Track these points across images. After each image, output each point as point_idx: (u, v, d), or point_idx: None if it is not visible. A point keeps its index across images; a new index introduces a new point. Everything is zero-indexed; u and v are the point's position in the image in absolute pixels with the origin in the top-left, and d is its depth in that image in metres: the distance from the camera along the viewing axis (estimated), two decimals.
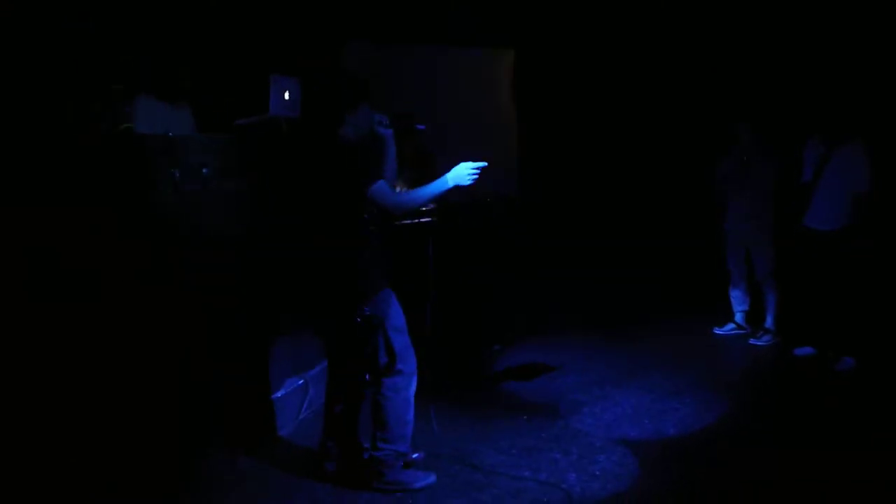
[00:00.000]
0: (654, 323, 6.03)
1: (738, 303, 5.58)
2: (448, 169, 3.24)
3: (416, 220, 4.83)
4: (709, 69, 6.54)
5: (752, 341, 5.41)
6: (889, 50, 5.50)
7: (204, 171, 3.55)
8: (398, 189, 5.16)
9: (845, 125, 4.74)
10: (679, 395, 4.42)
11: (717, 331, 5.65)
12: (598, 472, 3.49)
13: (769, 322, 5.39)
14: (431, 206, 4.76)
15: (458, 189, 3.23)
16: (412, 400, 3.37)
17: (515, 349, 5.38)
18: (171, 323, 3.35)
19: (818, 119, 4.86)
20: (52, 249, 2.92)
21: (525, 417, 4.15)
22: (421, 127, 3.40)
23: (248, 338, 3.89)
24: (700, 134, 6.10)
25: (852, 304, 4.78)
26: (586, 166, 7.20)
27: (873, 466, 3.46)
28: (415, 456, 3.44)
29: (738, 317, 5.60)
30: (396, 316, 3.28)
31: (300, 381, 4.23)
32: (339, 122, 3.23)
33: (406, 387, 3.32)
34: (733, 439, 3.85)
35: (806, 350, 5.04)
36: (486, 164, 3.23)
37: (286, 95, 4.13)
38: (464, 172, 3.21)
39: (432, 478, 3.43)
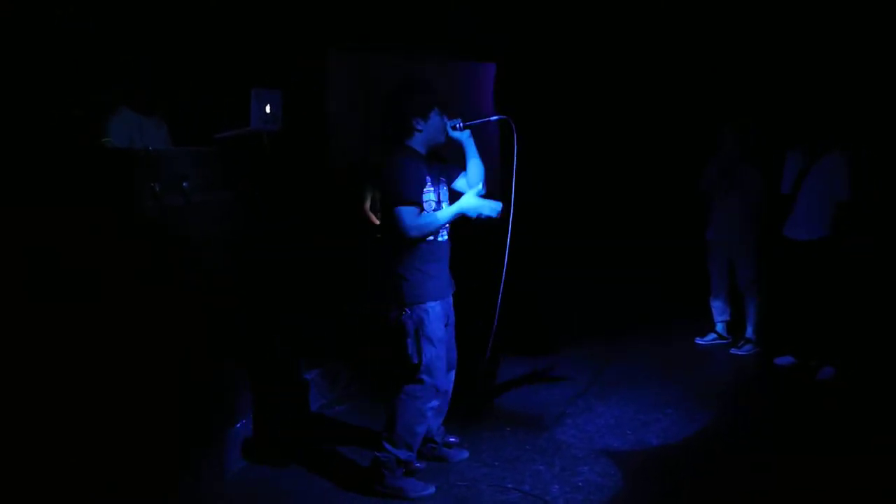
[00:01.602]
0: (639, 331, 6.04)
1: (719, 313, 5.60)
2: None
3: None
4: (698, 73, 6.60)
5: (732, 351, 5.44)
6: (872, 59, 5.58)
7: (184, 184, 3.53)
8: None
9: (827, 136, 4.80)
10: (661, 405, 4.43)
11: (699, 341, 5.67)
12: (581, 484, 3.49)
13: (749, 332, 5.42)
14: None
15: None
16: (427, 413, 3.38)
17: (502, 358, 5.36)
18: (163, 328, 3.34)
19: (800, 130, 4.92)
20: (46, 252, 2.91)
21: (509, 429, 4.15)
22: (498, 118, 3.38)
23: (239, 343, 3.89)
24: (693, 136, 6.14)
25: (832, 314, 4.83)
26: (584, 167, 7.21)
27: (853, 473, 3.49)
28: (417, 465, 3.44)
29: (720, 327, 5.62)
30: (435, 328, 3.30)
31: None
32: (407, 131, 3.29)
33: (423, 397, 3.34)
34: (715, 449, 3.87)
35: (786, 359, 5.07)
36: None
37: (267, 109, 4.12)
38: (493, 207, 3.30)
39: (431, 489, 3.42)
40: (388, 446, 3.36)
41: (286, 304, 4.36)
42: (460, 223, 3.39)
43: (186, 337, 3.51)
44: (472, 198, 3.31)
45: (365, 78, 6.35)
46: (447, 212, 3.30)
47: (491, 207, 3.31)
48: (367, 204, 5.25)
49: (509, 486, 3.48)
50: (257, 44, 5.05)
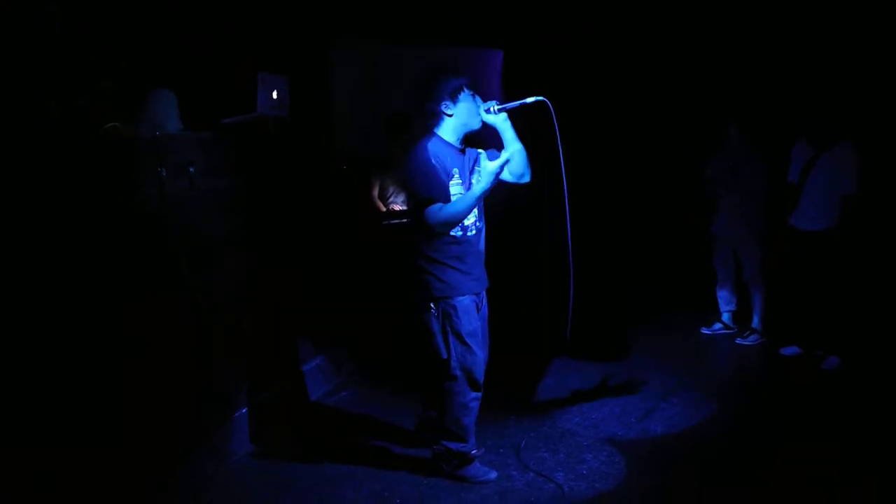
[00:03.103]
0: (644, 320, 6.04)
1: (725, 303, 5.60)
2: None
3: (400, 221, 4.89)
4: (700, 67, 6.56)
5: (738, 341, 5.43)
6: (880, 52, 5.54)
7: (191, 169, 3.53)
8: (391, 191, 5.20)
9: (834, 127, 4.77)
10: (666, 394, 4.43)
11: (705, 330, 5.67)
12: (585, 472, 3.49)
13: (755, 321, 5.42)
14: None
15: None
16: (471, 406, 3.36)
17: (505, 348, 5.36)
18: (168, 314, 3.35)
19: (807, 121, 4.89)
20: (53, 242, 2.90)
21: (513, 416, 4.16)
22: (535, 100, 3.22)
23: (245, 330, 3.90)
24: (692, 132, 6.12)
25: (838, 304, 4.81)
26: (587, 156, 7.15)
27: (857, 463, 3.49)
28: (474, 452, 3.43)
29: (725, 316, 5.62)
30: (464, 323, 3.26)
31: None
32: (436, 117, 3.22)
33: (461, 392, 3.32)
34: (720, 438, 3.87)
35: (792, 349, 5.06)
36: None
37: (274, 94, 4.11)
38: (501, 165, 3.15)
39: (492, 474, 3.44)
40: (441, 440, 3.40)
41: (291, 292, 4.36)
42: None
43: (191, 323, 3.52)
44: (486, 172, 3.13)
45: (370, 67, 6.32)
46: (468, 198, 3.16)
47: (501, 165, 3.14)
48: (375, 192, 5.26)
49: (514, 473, 3.49)
50: (264, 29, 5.02)
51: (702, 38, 6.50)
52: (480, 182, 3.15)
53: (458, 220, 3.17)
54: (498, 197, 3.34)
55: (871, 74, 5.57)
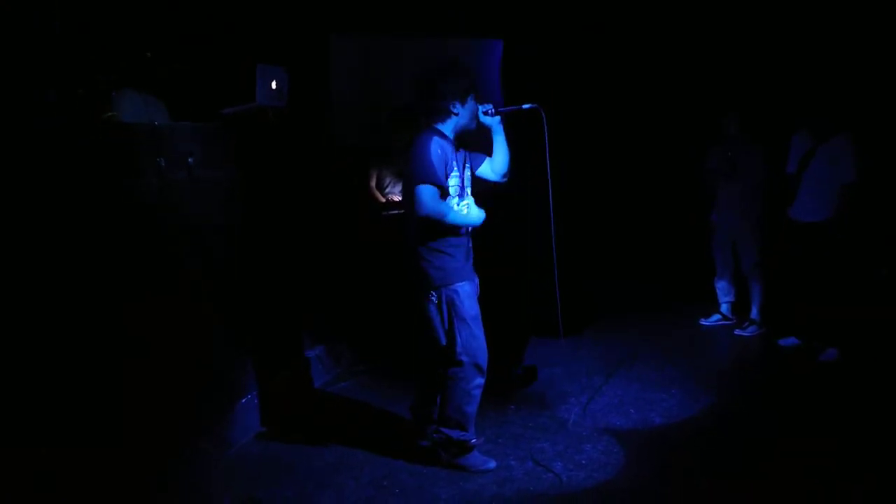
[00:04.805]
0: (643, 311, 6.05)
1: (724, 294, 5.61)
2: None
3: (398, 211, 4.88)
4: (699, 60, 6.55)
5: (737, 332, 5.44)
6: (878, 44, 5.53)
7: (189, 159, 3.53)
8: (389, 181, 5.20)
9: (833, 118, 4.77)
10: (665, 385, 4.45)
11: (703, 322, 5.68)
12: (584, 462, 3.51)
13: (754, 313, 5.43)
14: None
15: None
16: (474, 393, 3.38)
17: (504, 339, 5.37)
18: (168, 305, 3.35)
19: (806, 112, 4.89)
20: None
21: (512, 407, 4.17)
22: (530, 106, 3.35)
23: (245, 319, 3.91)
24: (692, 130, 6.12)
25: (836, 295, 4.82)
26: (579, 155, 7.16)
27: (859, 456, 3.50)
28: (473, 441, 3.45)
29: (724, 308, 5.63)
30: (467, 307, 3.30)
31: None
32: (441, 113, 3.27)
33: (465, 378, 3.34)
34: (718, 429, 3.88)
35: (790, 340, 5.08)
36: None
37: (273, 85, 4.11)
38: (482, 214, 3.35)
39: (491, 464, 3.46)
40: (441, 428, 3.42)
41: (291, 283, 4.37)
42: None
43: (192, 313, 3.52)
44: (475, 212, 3.33)
45: (369, 58, 6.30)
46: (460, 217, 3.28)
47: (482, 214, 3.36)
48: (373, 182, 5.26)
49: (512, 463, 3.50)
50: (263, 20, 5.01)
51: (701, 36, 6.49)
52: (471, 215, 3.31)
53: (444, 221, 3.21)
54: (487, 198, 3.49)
55: (869, 70, 5.57)
